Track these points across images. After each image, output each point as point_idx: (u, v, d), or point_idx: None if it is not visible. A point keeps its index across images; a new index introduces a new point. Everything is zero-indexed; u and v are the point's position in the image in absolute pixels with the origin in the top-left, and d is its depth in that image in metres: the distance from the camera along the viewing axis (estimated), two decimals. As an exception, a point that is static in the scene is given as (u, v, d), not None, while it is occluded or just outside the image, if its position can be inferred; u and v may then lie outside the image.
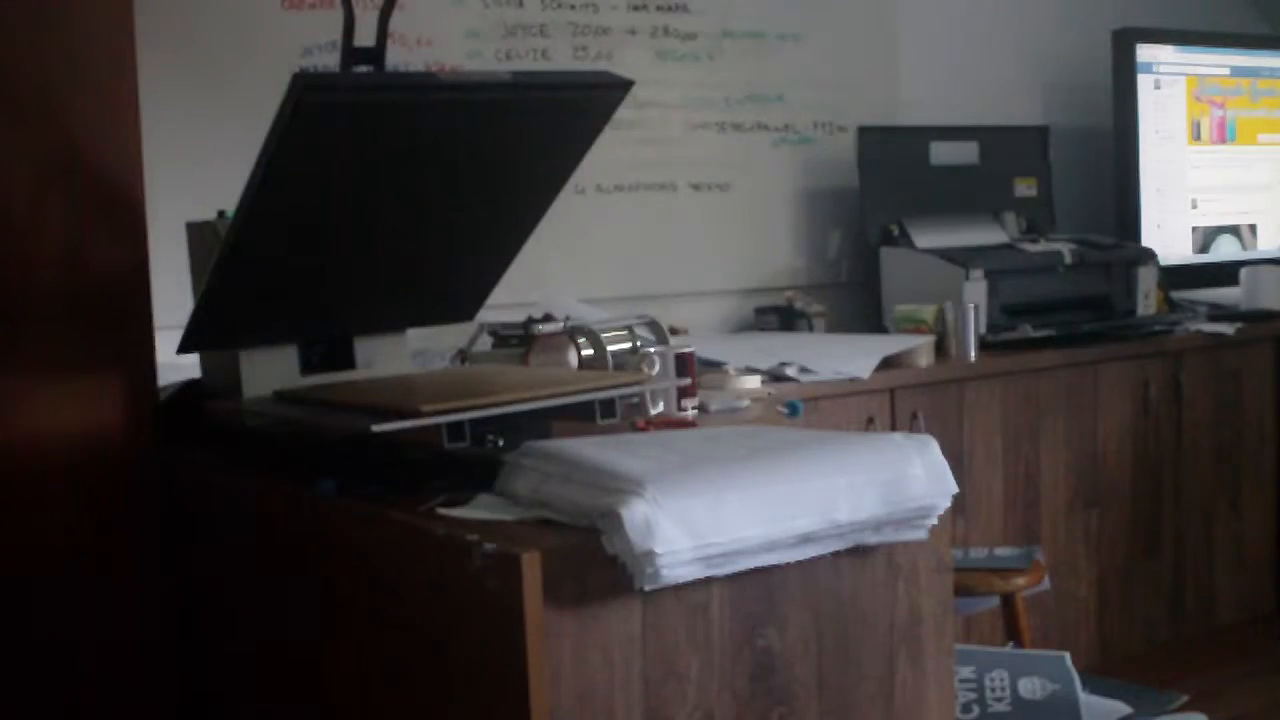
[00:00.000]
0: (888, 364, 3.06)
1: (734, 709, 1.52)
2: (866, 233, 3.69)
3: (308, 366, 2.03)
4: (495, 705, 1.40)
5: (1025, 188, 3.99)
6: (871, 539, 1.58)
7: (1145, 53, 4.16)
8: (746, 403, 2.41)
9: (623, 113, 2.01)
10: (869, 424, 2.99)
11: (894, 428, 3.02)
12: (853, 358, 3.01)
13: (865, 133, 3.69)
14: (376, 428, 1.62)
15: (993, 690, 2.28)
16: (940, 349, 3.25)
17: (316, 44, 2.97)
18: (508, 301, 2.38)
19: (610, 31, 3.43)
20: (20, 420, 1.97)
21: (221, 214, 1.98)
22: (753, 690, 1.53)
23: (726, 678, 1.51)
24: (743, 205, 3.66)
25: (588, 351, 2.22)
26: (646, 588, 1.40)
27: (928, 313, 3.28)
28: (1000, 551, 2.85)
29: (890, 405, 3.05)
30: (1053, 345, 3.41)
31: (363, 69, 1.91)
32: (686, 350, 2.25)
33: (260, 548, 1.88)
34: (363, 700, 1.65)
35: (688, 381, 2.19)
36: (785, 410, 2.32)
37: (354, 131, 1.73)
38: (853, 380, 2.95)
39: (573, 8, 3.37)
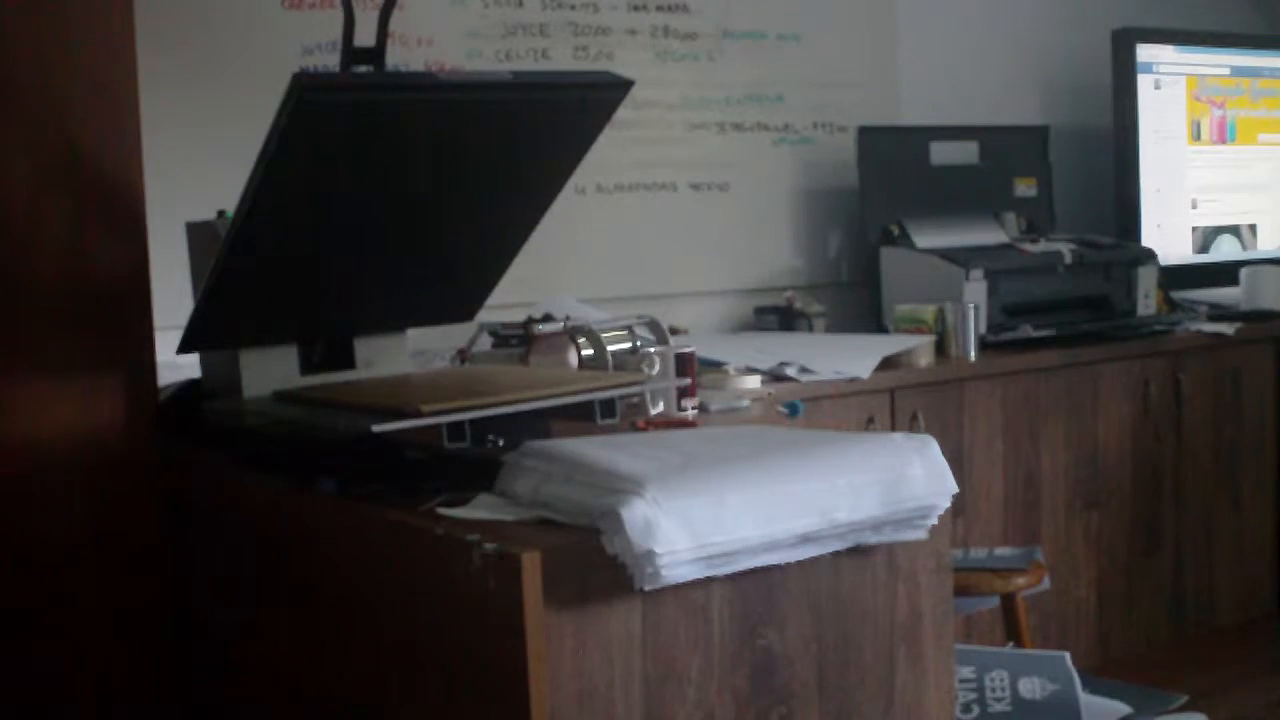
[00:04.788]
0: (888, 364, 3.06)
1: (734, 709, 1.52)
2: (866, 233, 3.69)
3: (308, 366, 2.03)
4: (495, 705, 1.40)
5: (1025, 188, 3.99)
6: (871, 539, 1.58)
7: (1145, 53, 4.16)
8: (746, 403, 2.41)
9: (623, 113, 2.01)
10: (869, 424, 2.99)
11: (894, 428, 3.02)
12: (853, 358, 3.01)
13: (865, 133, 3.69)
14: (376, 428, 1.62)
15: (993, 690, 2.28)
16: (940, 349, 3.25)
17: (316, 44, 2.97)
18: (508, 301, 2.38)
19: (610, 31, 3.43)
20: (20, 420, 1.97)
21: (221, 214, 1.98)
22: (753, 690, 1.53)
23: (726, 678, 1.51)
24: (742, 205, 3.66)
25: (588, 351, 2.22)
26: (646, 588, 1.40)
27: (928, 313, 3.28)
28: (1000, 551, 2.85)
29: (890, 405, 3.05)
30: (1053, 345, 3.41)
31: (363, 69, 1.91)
32: (686, 350, 2.25)
33: (260, 547, 1.88)
34: (363, 700, 1.65)
35: (688, 381, 2.19)
36: (785, 410, 2.32)
37: (354, 131, 1.73)
38: (853, 380, 2.95)
39: (573, 8, 3.37)
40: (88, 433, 2.02)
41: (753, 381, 2.70)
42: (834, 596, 1.60)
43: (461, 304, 2.18)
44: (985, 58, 4.16)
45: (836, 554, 1.57)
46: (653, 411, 2.12)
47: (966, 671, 2.29)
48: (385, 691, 1.61)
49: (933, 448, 1.62)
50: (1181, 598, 3.70)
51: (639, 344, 2.27)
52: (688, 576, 1.42)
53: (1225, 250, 4.41)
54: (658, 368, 2.19)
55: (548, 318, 2.28)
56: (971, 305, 3.28)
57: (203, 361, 2.07)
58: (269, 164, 1.68)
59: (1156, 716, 2.60)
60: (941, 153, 3.85)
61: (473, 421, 1.66)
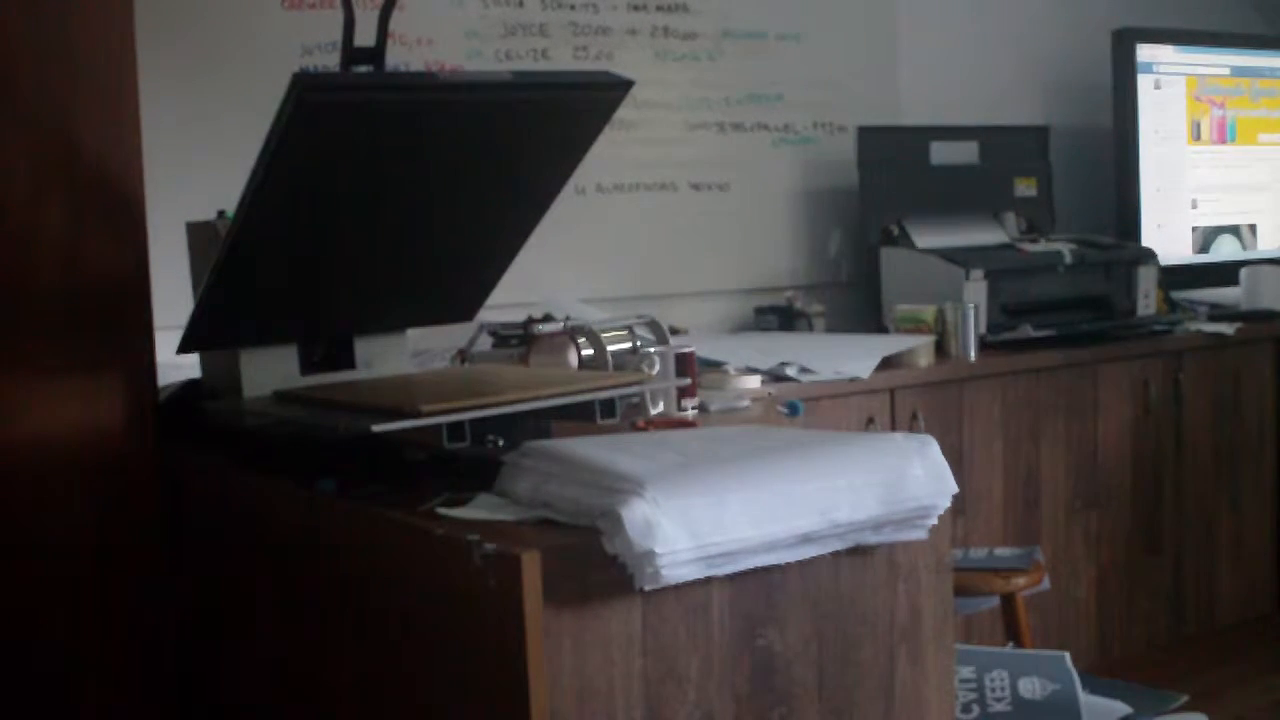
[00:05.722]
0: (888, 364, 3.06)
1: (734, 709, 1.52)
2: (866, 233, 3.69)
3: (308, 366, 2.03)
4: (495, 705, 1.40)
5: (1025, 188, 3.99)
6: (871, 539, 1.58)
7: (1145, 53, 4.16)
8: (746, 403, 2.41)
9: (623, 113, 2.01)
10: (869, 424, 2.99)
11: (894, 428, 3.02)
12: (853, 358, 3.01)
13: (865, 133, 3.68)
14: (376, 428, 1.62)
15: (993, 690, 2.28)
16: (940, 349, 3.25)
17: (316, 44, 2.97)
18: (508, 301, 2.38)
19: (610, 31, 3.43)
20: (20, 420, 1.97)
21: (221, 214, 1.98)
22: (753, 690, 1.53)
23: (726, 678, 1.51)
24: (742, 205, 3.66)
25: (588, 351, 2.22)
26: (646, 588, 1.40)
27: (928, 313, 3.28)
28: (1000, 551, 2.85)
29: (890, 405, 3.05)
30: (1053, 345, 3.41)
31: (363, 69, 1.91)
32: (686, 350, 2.25)
33: (260, 548, 1.88)
34: (363, 700, 1.65)
35: (688, 381, 2.19)
36: (785, 410, 2.32)
37: (354, 131, 1.73)
38: (853, 380, 2.95)
39: (573, 8, 3.37)
40: (88, 433, 2.02)
41: (753, 381, 2.70)
42: (834, 596, 1.60)
43: (461, 304, 2.18)
44: (985, 58, 4.16)
45: (836, 554, 1.57)
46: (653, 411, 2.12)
47: (966, 671, 2.29)
48: (385, 691, 1.61)
49: (933, 448, 1.62)
50: (1181, 598, 3.70)
51: (639, 344, 2.27)
52: (688, 576, 1.42)
53: (1225, 250, 4.41)
54: (658, 368, 2.19)
55: (548, 318, 2.28)
56: (971, 305, 3.28)
57: (203, 361, 2.07)
58: (269, 164, 1.68)
59: (1156, 716, 2.60)
60: (941, 153, 3.84)
61: (473, 421, 1.66)
